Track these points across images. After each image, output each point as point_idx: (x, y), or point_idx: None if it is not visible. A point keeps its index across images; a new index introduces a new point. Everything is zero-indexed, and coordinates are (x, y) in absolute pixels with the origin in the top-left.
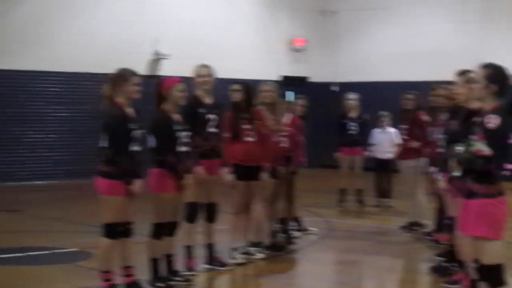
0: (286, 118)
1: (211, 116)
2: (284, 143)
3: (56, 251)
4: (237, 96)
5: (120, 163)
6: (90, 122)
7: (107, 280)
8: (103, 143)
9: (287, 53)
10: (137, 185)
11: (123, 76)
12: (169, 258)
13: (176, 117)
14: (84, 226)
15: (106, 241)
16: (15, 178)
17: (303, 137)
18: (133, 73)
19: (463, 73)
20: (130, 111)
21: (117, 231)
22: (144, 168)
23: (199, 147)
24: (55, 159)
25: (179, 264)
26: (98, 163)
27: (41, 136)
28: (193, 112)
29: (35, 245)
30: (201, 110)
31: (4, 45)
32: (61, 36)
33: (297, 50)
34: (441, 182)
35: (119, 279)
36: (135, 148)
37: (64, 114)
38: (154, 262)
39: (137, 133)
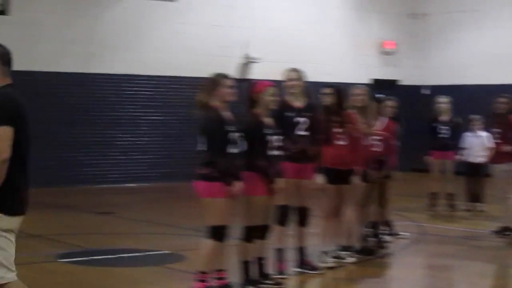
0: (381, 122)
1: (301, 119)
2: (377, 147)
3: (147, 253)
4: (328, 100)
5: (219, 165)
6: (181, 125)
7: (203, 281)
8: (202, 146)
9: (377, 56)
10: (237, 186)
11: (215, 80)
12: (260, 261)
13: (267, 120)
14: (176, 229)
15: (210, 243)
16: (107, 180)
17: (397, 141)
18: (225, 76)
19: None
20: (226, 114)
21: (222, 233)
22: (241, 171)
23: (288, 150)
24: (147, 161)
25: (270, 267)
26: (197, 166)
27: (133, 139)
28: (281, 116)
29: (127, 247)
30: (288, 114)
31: (96, 49)
32: (152, 40)
33: (387, 53)
34: None
35: (212, 282)
36: (233, 150)
37: (155, 118)
38: (245, 265)
39: (234, 135)
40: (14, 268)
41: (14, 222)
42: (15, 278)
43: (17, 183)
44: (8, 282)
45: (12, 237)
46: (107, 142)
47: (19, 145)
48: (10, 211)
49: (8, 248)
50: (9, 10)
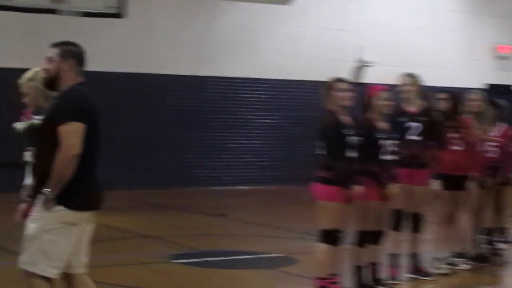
0: (498, 128)
1: (413, 124)
2: (494, 152)
3: (260, 255)
4: (444, 105)
5: (338, 168)
6: (294, 129)
7: (323, 287)
8: (320, 150)
9: (491, 61)
10: (356, 191)
11: (329, 84)
12: (373, 266)
13: (381, 125)
14: (289, 232)
15: (324, 247)
16: (220, 182)
17: None
18: (339, 80)
19: None
20: (345, 118)
21: (335, 237)
22: (359, 175)
23: (399, 154)
24: (259, 164)
25: (383, 273)
26: (316, 169)
27: (246, 141)
28: (394, 121)
29: (240, 249)
30: (400, 119)
31: (210, 52)
32: (265, 43)
33: (502, 58)
34: None
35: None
36: (351, 154)
37: (268, 121)
38: (358, 269)
39: (353, 139)
40: (59, 265)
41: (76, 216)
42: (56, 276)
43: (83, 178)
44: (47, 277)
45: (69, 231)
46: (220, 144)
47: (87, 142)
48: (73, 206)
49: (59, 242)
50: (125, 14)
